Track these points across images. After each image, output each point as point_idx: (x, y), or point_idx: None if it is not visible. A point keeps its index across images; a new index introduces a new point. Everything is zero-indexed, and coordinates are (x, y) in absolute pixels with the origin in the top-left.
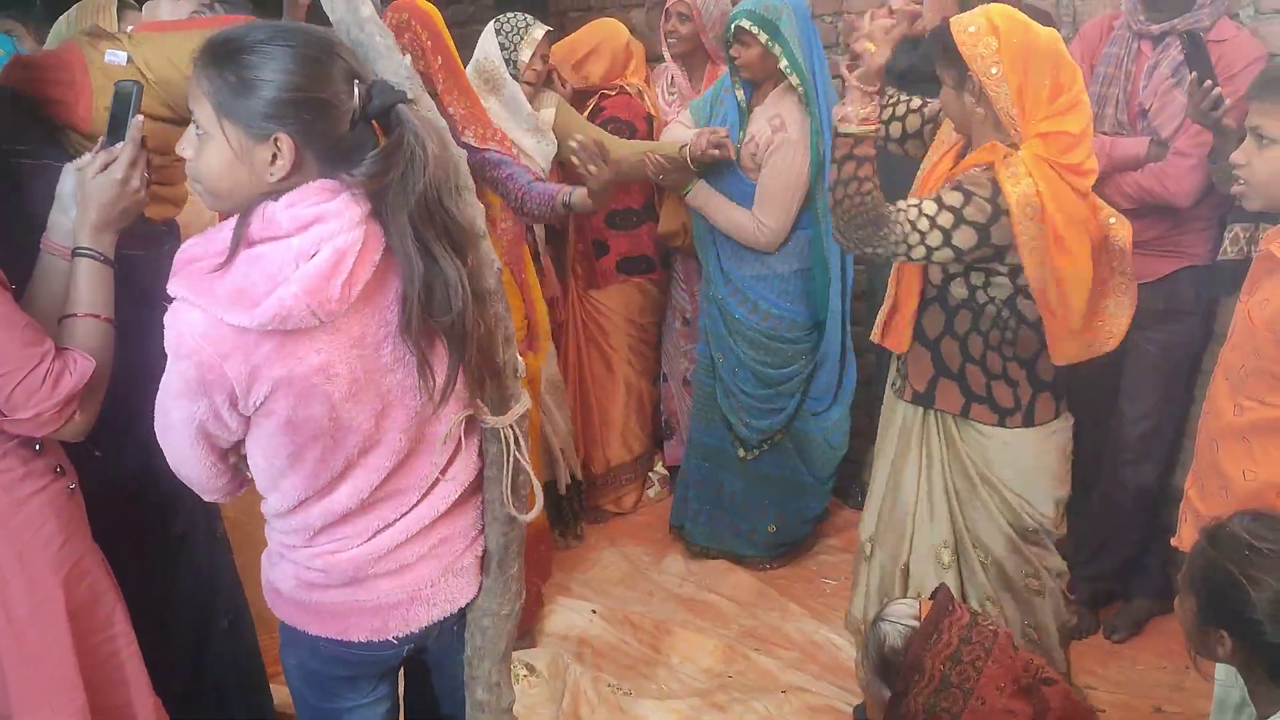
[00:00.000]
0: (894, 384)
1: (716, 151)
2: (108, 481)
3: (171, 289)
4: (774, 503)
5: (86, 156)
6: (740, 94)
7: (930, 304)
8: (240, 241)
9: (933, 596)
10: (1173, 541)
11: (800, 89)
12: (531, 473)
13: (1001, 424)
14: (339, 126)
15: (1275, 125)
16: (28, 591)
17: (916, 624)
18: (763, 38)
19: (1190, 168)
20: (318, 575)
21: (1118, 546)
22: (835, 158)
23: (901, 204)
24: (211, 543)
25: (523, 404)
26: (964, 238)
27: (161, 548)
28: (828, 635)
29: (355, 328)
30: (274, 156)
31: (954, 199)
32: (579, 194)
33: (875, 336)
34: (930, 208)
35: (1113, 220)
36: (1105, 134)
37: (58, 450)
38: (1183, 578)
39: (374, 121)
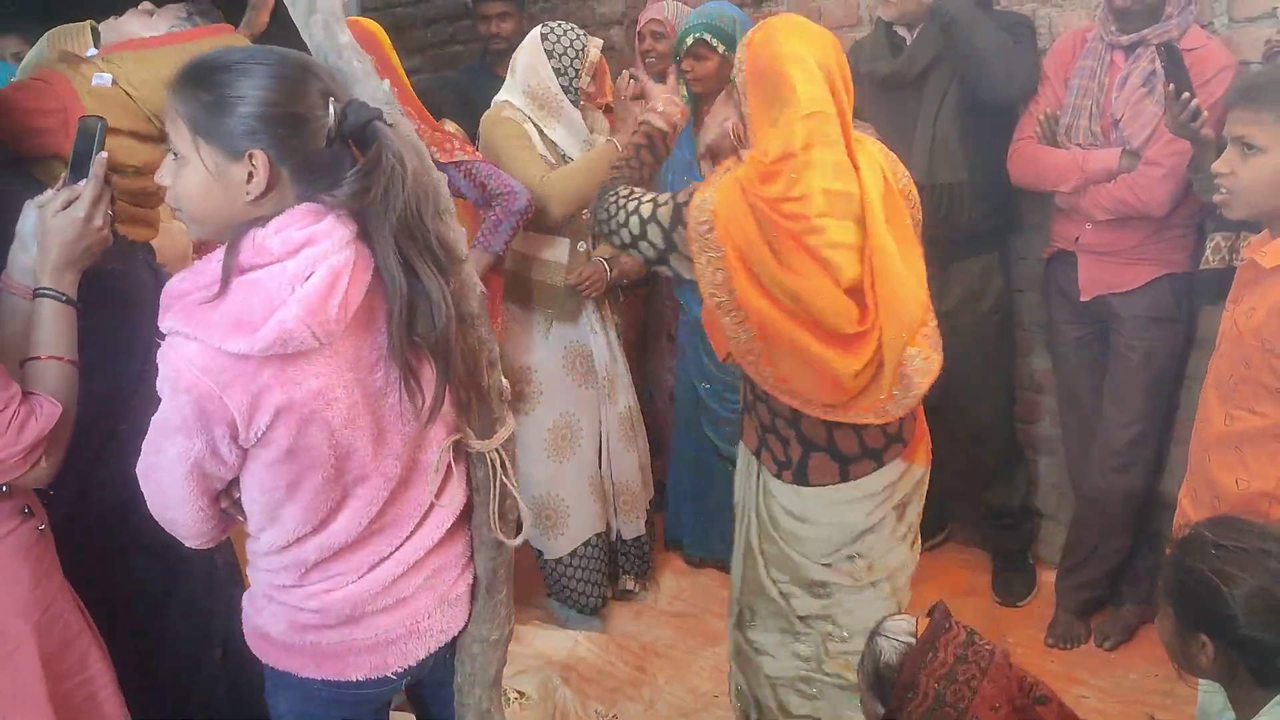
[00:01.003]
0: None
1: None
2: (100, 508)
3: (164, 325)
4: None
5: (48, 193)
6: (690, 106)
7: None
8: (232, 270)
9: (929, 614)
10: (1168, 552)
11: None
12: (518, 497)
13: (778, 475)
14: (314, 143)
15: (1260, 133)
16: None
17: (913, 640)
18: (721, 49)
19: (1162, 177)
20: (312, 616)
21: (1106, 553)
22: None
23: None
24: (210, 572)
25: (508, 427)
26: (654, 234)
27: (157, 577)
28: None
29: (350, 350)
30: (250, 175)
31: (662, 199)
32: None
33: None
34: (647, 203)
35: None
36: (1080, 146)
37: (25, 491)
38: (1160, 592)
39: (352, 144)
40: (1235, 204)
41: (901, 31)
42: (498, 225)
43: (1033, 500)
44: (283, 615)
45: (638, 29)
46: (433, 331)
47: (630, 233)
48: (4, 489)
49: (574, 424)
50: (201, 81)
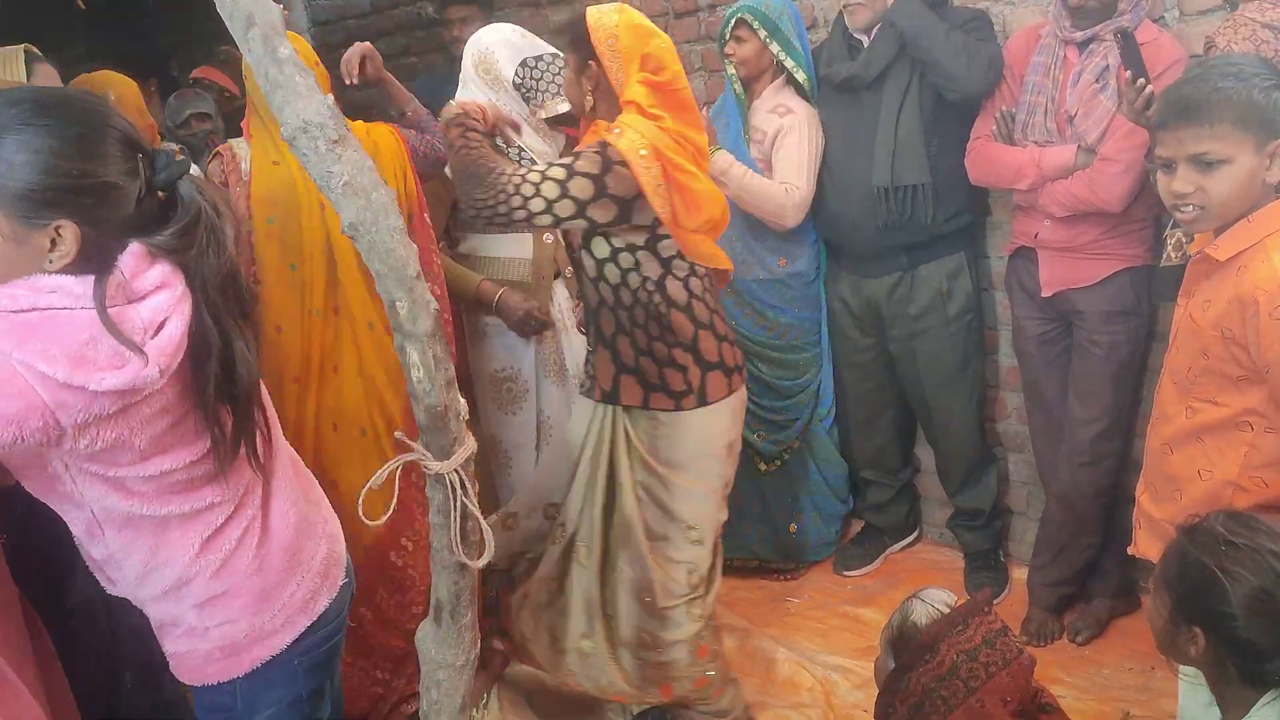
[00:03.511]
0: (582, 385)
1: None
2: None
3: None
4: (793, 502)
5: None
6: (739, 87)
7: (601, 306)
8: (104, 306)
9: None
10: (1129, 550)
11: (805, 81)
12: (480, 518)
13: (678, 408)
14: (123, 208)
15: (1223, 146)
16: None
17: (947, 611)
18: (762, 33)
19: (1119, 173)
20: (267, 576)
21: (1076, 549)
22: (448, 144)
23: (507, 169)
24: (108, 608)
25: (467, 448)
26: (581, 188)
27: (59, 622)
28: (789, 656)
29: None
30: (53, 243)
31: (561, 162)
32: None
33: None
34: (535, 174)
35: None
36: (1036, 143)
37: None
38: (1157, 577)
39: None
40: (1206, 218)
41: (859, 35)
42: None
43: (1003, 498)
44: (238, 606)
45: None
46: (245, 388)
47: (544, 199)
48: None
49: (554, 423)
50: None
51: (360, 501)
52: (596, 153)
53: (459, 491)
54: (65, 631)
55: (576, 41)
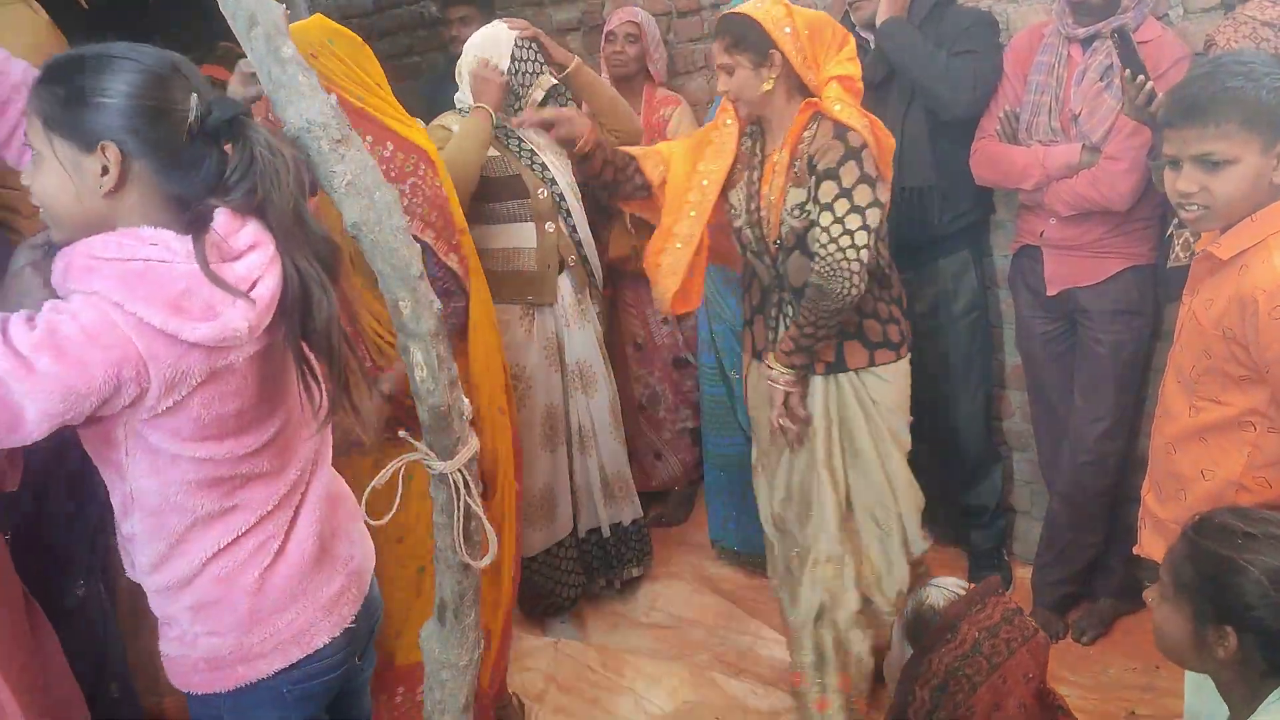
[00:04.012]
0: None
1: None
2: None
3: (92, 285)
4: None
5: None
6: None
7: (810, 283)
8: (205, 260)
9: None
10: (1135, 550)
11: None
12: (484, 517)
13: (898, 358)
14: (174, 137)
15: (1228, 146)
16: None
17: (962, 593)
18: None
19: (1123, 171)
20: (260, 602)
21: (1081, 548)
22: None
23: (814, 274)
24: (103, 607)
25: (470, 448)
26: (875, 217)
27: (61, 615)
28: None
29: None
30: (103, 168)
31: (840, 204)
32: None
33: (667, 309)
34: (850, 248)
35: None
36: (1040, 143)
37: None
38: (1168, 585)
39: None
40: (1211, 218)
41: (865, 34)
42: None
43: (1007, 497)
44: (228, 620)
45: (607, 30)
46: (321, 326)
47: (869, 250)
48: None
49: (556, 416)
50: (57, 76)
51: (364, 501)
52: (860, 175)
53: (462, 491)
54: (64, 630)
55: (749, 38)
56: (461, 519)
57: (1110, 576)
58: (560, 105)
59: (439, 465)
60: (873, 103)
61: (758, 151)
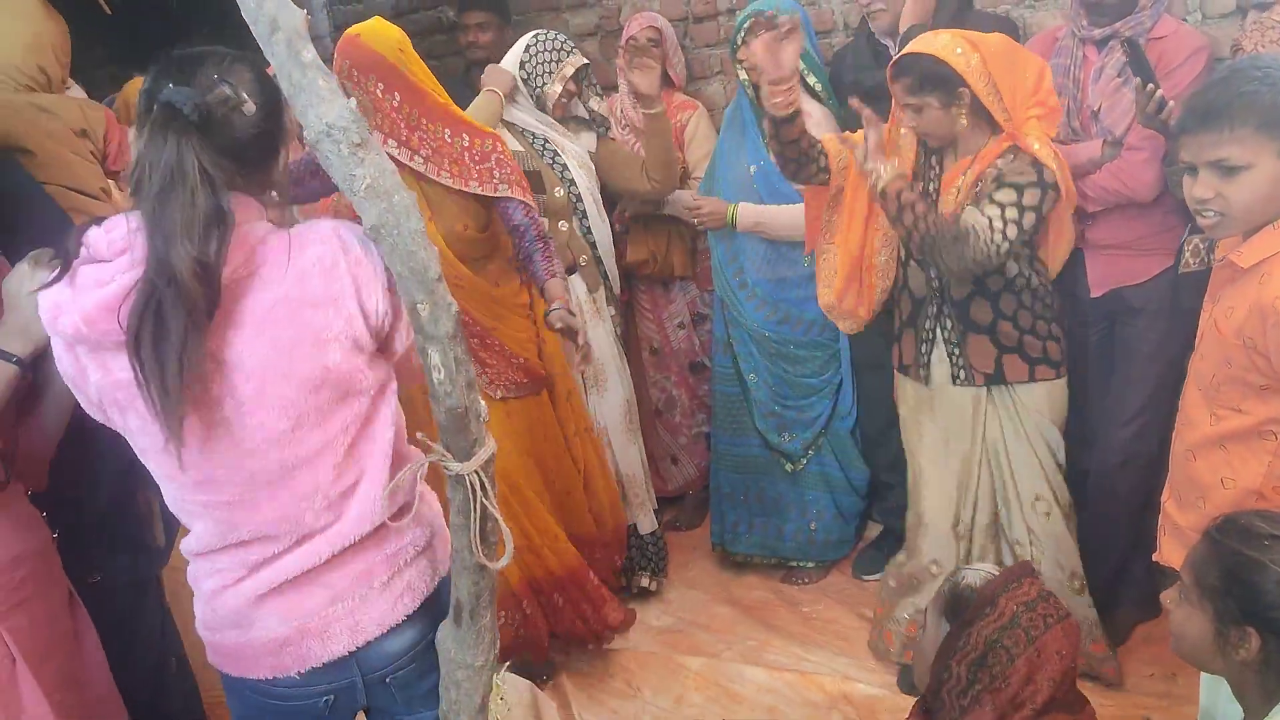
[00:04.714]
0: (955, 378)
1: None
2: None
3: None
4: (814, 500)
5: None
6: (752, 93)
7: (975, 296)
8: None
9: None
10: (1154, 557)
11: (817, 85)
12: (501, 519)
13: (1058, 375)
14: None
15: (1242, 151)
16: None
17: (998, 572)
18: None
19: (1144, 161)
20: (210, 615)
21: (1107, 556)
22: (890, 216)
23: (965, 217)
24: (135, 591)
25: (487, 449)
26: (1030, 221)
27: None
28: (807, 662)
29: None
30: None
31: (1009, 195)
32: (554, 314)
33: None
34: (993, 210)
35: None
36: (1061, 143)
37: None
38: (1190, 587)
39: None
40: (1227, 225)
41: (885, 41)
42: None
43: None
44: (199, 614)
45: (628, 36)
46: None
47: (1009, 240)
48: None
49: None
50: None
51: (385, 499)
52: (1034, 183)
53: (479, 492)
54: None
55: (935, 77)
56: (478, 520)
57: (1132, 584)
58: (589, 88)
59: (456, 466)
60: (889, 109)
61: (934, 164)
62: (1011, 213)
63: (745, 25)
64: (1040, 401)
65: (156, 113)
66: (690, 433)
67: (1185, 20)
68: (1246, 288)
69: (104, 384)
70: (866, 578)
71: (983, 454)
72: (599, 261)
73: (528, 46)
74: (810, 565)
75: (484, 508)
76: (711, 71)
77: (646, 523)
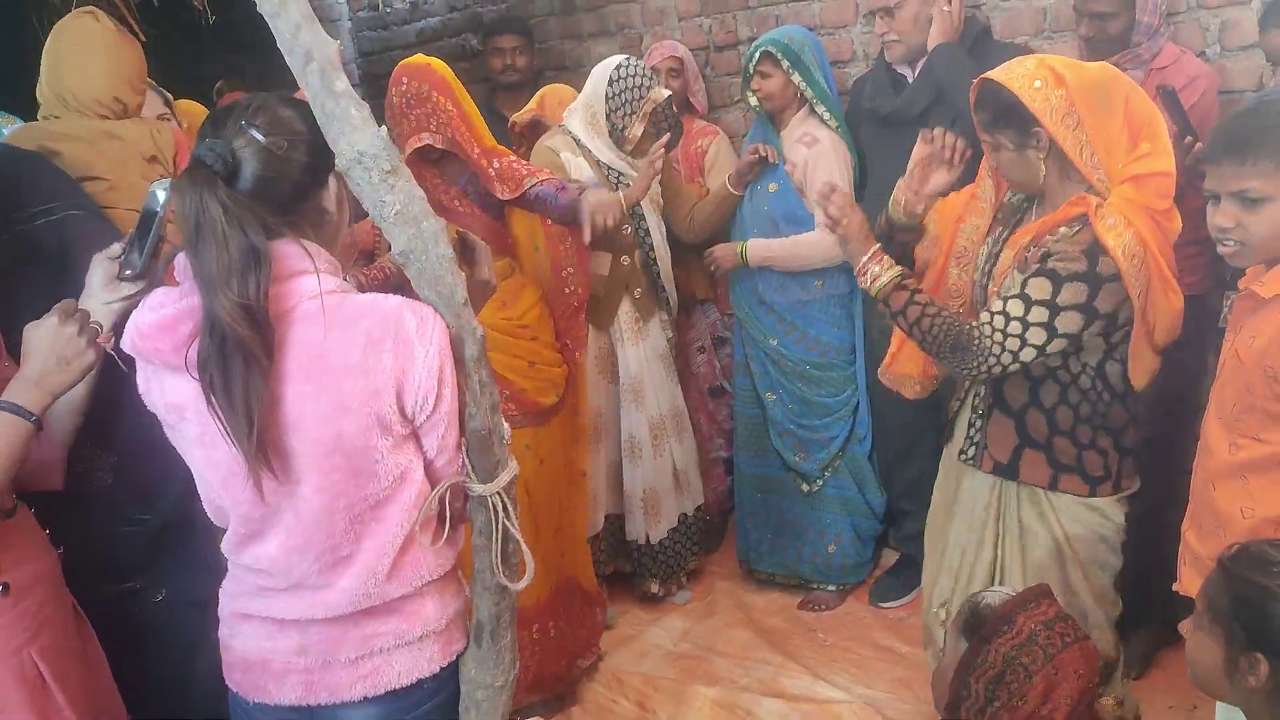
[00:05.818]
0: (964, 452)
1: (755, 156)
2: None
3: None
4: (832, 522)
5: (116, 247)
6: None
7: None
8: None
9: None
10: (1174, 587)
11: (826, 114)
12: (522, 540)
13: (1093, 494)
14: None
15: (1265, 184)
16: None
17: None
18: (785, 64)
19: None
20: (222, 605)
21: (1128, 582)
22: (891, 314)
23: (984, 315)
24: (198, 609)
25: (510, 471)
26: (1069, 322)
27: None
28: (824, 690)
29: None
30: None
31: (1042, 290)
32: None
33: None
34: (1016, 308)
35: None
36: None
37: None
38: (1202, 613)
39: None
40: (1247, 254)
41: (902, 70)
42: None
43: None
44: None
45: (650, 65)
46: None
47: (1034, 347)
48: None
49: (601, 420)
50: None
51: (418, 525)
52: (1080, 274)
53: (501, 513)
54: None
55: (1008, 112)
56: (500, 541)
57: (1150, 610)
58: (663, 121)
59: (479, 488)
60: (910, 135)
61: (1016, 214)
62: (1038, 313)
63: (754, 58)
64: (1076, 517)
65: (184, 169)
66: (709, 457)
67: (1205, 52)
68: (1268, 317)
69: (158, 402)
70: (883, 605)
71: (995, 558)
72: (659, 290)
73: (613, 80)
74: (831, 588)
75: (506, 529)
76: (732, 99)
77: (658, 532)
